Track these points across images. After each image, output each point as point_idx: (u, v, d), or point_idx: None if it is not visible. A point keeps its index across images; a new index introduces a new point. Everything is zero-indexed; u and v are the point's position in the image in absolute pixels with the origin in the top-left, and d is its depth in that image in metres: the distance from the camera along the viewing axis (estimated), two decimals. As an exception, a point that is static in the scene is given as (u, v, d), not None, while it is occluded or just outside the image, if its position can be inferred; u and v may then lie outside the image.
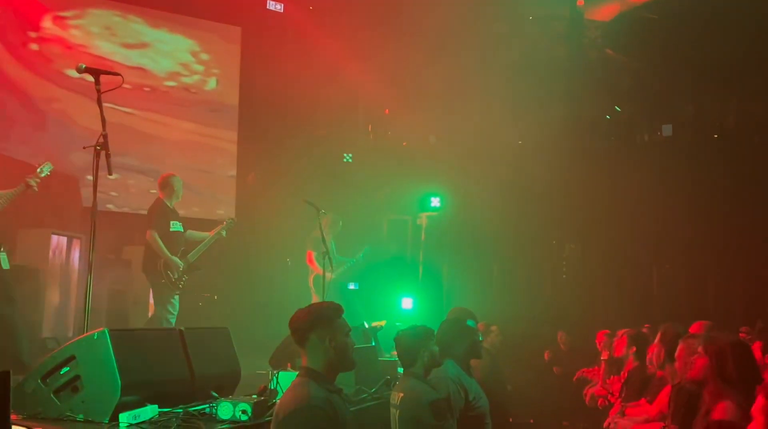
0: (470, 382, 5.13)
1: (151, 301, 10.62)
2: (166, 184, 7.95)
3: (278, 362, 6.60)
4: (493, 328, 7.44)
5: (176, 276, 7.76)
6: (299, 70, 12.94)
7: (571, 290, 11.01)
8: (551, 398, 8.02)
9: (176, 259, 7.69)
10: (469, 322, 5.27)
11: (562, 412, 7.73)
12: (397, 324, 8.95)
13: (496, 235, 10.99)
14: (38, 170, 6.56)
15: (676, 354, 4.66)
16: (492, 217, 11.02)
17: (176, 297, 7.81)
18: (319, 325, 3.70)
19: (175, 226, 7.92)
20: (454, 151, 11.57)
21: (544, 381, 8.62)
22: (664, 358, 5.19)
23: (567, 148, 10.95)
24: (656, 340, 5.38)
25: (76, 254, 10.20)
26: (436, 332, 5.05)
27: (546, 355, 9.80)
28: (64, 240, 9.93)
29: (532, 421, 7.62)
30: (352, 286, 10.36)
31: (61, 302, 9.87)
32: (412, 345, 4.83)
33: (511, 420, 6.74)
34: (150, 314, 9.20)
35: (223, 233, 8.15)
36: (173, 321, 7.75)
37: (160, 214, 7.82)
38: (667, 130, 11.50)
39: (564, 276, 11.20)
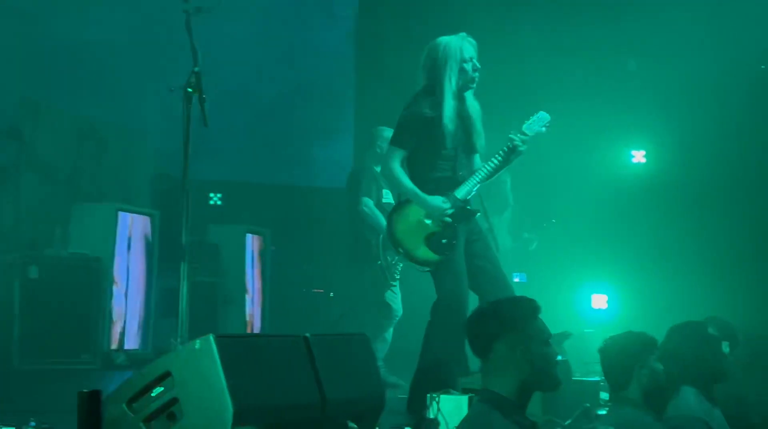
0: (712, 416, 5.09)
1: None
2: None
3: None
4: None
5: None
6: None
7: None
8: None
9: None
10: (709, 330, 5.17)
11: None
12: (587, 331, 8.83)
13: (726, 203, 10.53)
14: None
15: None
16: (719, 177, 10.57)
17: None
18: (509, 330, 3.70)
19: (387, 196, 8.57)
20: (662, 82, 11.08)
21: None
22: None
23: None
24: None
25: (144, 238, 10.53)
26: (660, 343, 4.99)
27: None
28: (132, 218, 10.27)
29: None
30: (516, 279, 10.17)
31: (130, 302, 10.24)
32: (625, 359, 4.79)
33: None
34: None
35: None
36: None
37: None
38: None
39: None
